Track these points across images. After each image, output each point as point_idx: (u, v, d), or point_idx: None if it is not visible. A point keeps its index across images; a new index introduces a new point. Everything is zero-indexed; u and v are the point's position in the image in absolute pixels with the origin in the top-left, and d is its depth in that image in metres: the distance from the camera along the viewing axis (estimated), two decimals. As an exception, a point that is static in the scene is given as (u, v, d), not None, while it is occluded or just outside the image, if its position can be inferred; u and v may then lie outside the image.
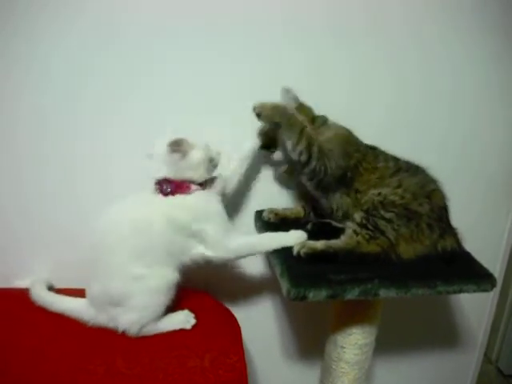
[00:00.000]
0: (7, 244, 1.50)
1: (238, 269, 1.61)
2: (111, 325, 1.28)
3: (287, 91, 1.44)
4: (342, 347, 1.41)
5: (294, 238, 1.31)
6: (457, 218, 1.41)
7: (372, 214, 1.32)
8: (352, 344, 1.40)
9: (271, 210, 1.49)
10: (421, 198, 1.34)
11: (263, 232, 1.40)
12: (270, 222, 1.48)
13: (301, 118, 1.37)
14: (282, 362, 1.85)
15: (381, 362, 1.88)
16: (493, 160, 1.74)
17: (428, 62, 1.58)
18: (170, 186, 1.26)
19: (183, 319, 1.32)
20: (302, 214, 1.49)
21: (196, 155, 1.27)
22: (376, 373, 1.89)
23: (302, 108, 1.43)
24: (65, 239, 1.49)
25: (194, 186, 1.28)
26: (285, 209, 1.52)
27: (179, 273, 1.30)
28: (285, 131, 1.34)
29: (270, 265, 1.35)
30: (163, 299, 1.28)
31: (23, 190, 1.47)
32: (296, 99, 1.44)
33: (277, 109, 1.35)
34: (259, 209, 1.57)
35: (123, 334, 1.28)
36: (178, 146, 1.24)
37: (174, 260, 1.29)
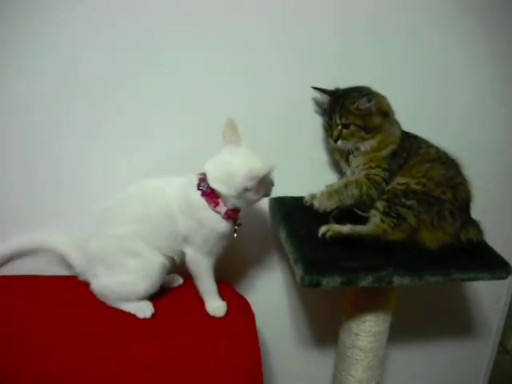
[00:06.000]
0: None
1: (253, 256, 1.62)
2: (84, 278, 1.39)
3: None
4: (356, 334, 1.41)
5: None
6: (473, 207, 1.41)
7: (394, 202, 1.33)
8: (366, 331, 1.39)
9: (313, 196, 1.48)
10: (444, 188, 1.35)
11: (278, 219, 1.44)
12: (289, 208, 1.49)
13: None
14: (296, 349, 1.85)
15: (395, 350, 1.88)
16: (508, 148, 1.72)
17: (428, 62, 1.56)
18: (206, 188, 1.24)
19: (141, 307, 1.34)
20: None
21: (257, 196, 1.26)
22: (390, 360, 1.89)
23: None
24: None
25: (222, 207, 1.25)
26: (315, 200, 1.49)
27: (168, 267, 1.36)
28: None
29: (284, 252, 1.36)
30: (146, 286, 1.32)
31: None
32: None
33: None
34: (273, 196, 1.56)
35: (138, 320, 1.30)
36: (254, 182, 1.19)
37: (169, 249, 1.33)
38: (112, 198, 1.34)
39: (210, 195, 1.24)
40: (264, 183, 1.23)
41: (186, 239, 1.30)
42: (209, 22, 1.41)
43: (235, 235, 1.32)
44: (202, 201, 1.24)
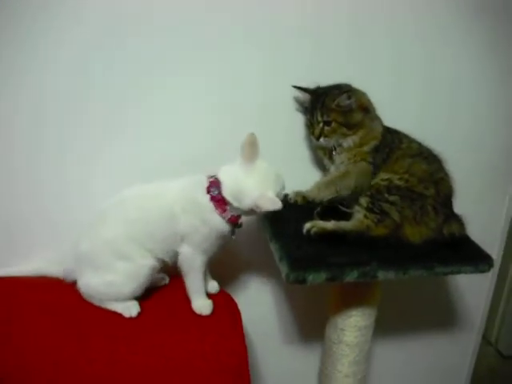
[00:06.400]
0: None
1: (238, 254, 1.62)
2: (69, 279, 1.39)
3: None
4: (342, 329, 1.42)
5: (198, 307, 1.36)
6: (455, 201, 1.42)
7: (377, 198, 1.34)
8: (352, 326, 1.41)
9: (297, 193, 1.49)
10: (427, 183, 1.36)
11: (262, 217, 1.43)
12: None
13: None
14: (282, 346, 1.86)
15: (380, 344, 1.89)
16: (490, 143, 1.74)
17: (429, 50, 1.58)
18: (217, 194, 1.26)
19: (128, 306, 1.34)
20: None
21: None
22: (375, 354, 1.91)
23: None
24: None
25: (228, 213, 1.27)
26: (309, 191, 1.52)
27: (157, 269, 1.36)
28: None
29: (269, 249, 1.36)
30: (133, 287, 1.32)
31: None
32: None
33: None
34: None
35: (125, 320, 1.30)
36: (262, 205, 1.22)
37: (162, 251, 1.33)
38: (108, 201, 1.34)
39: (220, 202, 1.26)
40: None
41: (183, 238, 1.30)
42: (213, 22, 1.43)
43: (233, 237, 1.34)
44: (210, 205, 1.26)
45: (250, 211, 1.26)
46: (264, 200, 1.21)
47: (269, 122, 1.52)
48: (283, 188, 1.31)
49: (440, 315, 1.98)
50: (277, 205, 1.21)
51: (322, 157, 1.52)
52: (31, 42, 1.34)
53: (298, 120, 1.56)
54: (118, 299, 1.32)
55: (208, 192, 1.26)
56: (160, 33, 1.40)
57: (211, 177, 1.28)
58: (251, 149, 1.26)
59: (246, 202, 1.24)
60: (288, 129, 1.57)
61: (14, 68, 1.36)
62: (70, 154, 1.46)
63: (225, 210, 1.26)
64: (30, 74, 1.37)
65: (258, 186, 1.24)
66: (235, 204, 1.25)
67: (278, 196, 1.25)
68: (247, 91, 1.51)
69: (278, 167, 1.30)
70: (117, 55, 1.40)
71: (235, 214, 1.28)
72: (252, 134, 1.26)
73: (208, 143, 1.48)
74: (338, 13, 1.48)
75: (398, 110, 1.49)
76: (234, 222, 1.30)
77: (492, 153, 1.75)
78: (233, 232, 1.33)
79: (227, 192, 1.25)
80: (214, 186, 1.27)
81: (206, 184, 1.27)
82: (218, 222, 1.28)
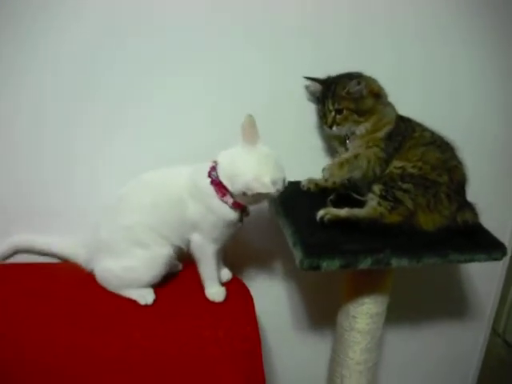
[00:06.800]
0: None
1: (251, 241, 1.63)
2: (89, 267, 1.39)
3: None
4: (354, 317, 1.42)
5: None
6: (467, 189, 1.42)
7: (390, 185, 1.34)
8: (364, 313, 1.41)
9: (310, 180, 1.49)
10: (440, 171, 1.36)
11: (275, 203, 1.44)
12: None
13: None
14: (293, 333, 1.86)
15: (392, 332, 1.90)
16: (501, 132, 1.73)
17: (429, 50, 1.58)
18: (216, 177, 1.25)
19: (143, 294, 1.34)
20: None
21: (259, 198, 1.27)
22: (387, 342, 1.92)
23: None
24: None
25: (228, 198, 1.26)
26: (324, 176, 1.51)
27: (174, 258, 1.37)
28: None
29: (281, 236, 1.36)
30: (152, 275, 1.34)
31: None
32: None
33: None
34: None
35: (139, 307, 1.31)
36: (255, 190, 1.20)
37: (177, 238, 1.33)
38: (125, 187, 1.35)
39: (219, 185, 1.25)
40: (264, 195, 1.24)
41: (194, 226, 1.30)
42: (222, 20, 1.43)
43: (241, 224, 1.34)
44: (211, 189, 1.25)
45: (243, 197, 1.24)
46: (255, 182, 1.19)
47: (269, 122, 1.49)
48: (284, 177, 1.28)
49: (451, 303, 1.98)
50: (268, 188, 1.19)
51: (336, 146, 1.51)
52: (31, 41, 1.34)
53: (301, 116, 1.56)
54: (136, 286, 1.33)
55: (209, 176, 1.26)
56: (160, 33, 1.40)
57: (214, 161, 1.28)
58: (250, 130, 1.26)
59: (237, 186, 1.22)
60: (290, 126, 1.57)
61: (13, 68, 1.36)
62: (69, 154, 1.47)
63: (225, 194, 1.25)
64: (29, 74, 1.37)
65: (252, 169, 1.22)
66: (229, 187, 1.24)
67: (275, 182, 1.23)
68: (247, 91, 1.51)
69: (282, 156, 1.29)
70: (117, 55, 1.40)
71: (237, 199, 1.27)
72: (250, 116, 1.25)
73: (208, 143, 1.47)
74: (338, 13, 1.47)
75: (397, 110, 1.49)
76: (240, 208, 1.29)
77: (505, 139, 1.75)
78: (240, 219, 1.32)
79: (222, 174, 1.25)
80: (214, 170, 1.26)
81: (208, 169, 1.27)
82: (222, 209, 1.27)
